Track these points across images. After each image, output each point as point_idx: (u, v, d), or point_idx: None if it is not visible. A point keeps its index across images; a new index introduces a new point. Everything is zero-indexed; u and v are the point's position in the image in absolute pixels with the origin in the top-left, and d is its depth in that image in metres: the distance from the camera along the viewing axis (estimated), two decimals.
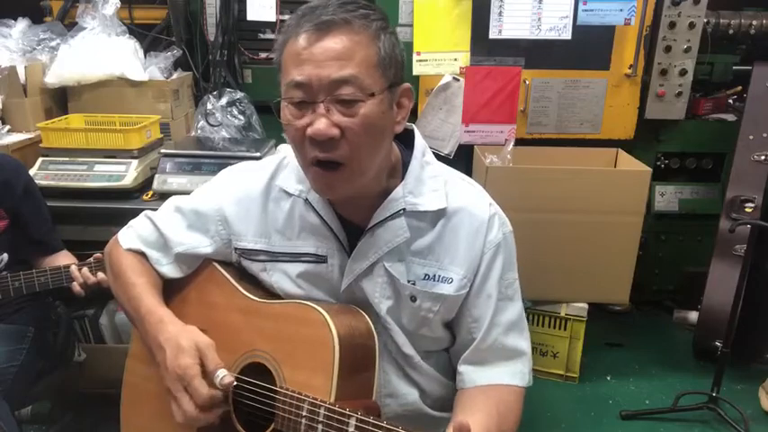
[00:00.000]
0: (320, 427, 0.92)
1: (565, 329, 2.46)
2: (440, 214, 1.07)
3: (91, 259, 1.66)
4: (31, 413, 2.16)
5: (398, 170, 1.08)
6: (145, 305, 1.09)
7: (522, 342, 1.13)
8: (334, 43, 0.91)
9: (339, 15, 0.91)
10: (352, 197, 1.03)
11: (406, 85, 1.01)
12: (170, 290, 1.19)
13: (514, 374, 1.11)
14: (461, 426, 0.86)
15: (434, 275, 1.08)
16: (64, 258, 1.78)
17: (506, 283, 1.11)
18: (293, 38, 0.93)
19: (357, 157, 0.95)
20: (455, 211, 1.08)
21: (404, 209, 1.05)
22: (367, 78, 0.92)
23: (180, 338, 1.01)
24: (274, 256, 1.12)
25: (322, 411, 0.92)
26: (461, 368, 1.12)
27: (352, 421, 0.89)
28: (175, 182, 2.07)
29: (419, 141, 1.10)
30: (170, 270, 1.17)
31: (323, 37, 0.91)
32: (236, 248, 1.15)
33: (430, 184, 1.08)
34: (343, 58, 0.91)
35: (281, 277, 1.12)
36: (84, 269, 1.63)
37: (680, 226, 2.90)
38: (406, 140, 1.11)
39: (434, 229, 1.07)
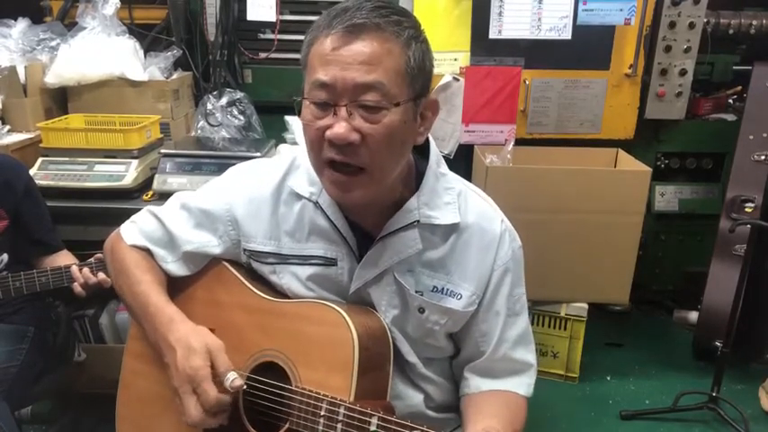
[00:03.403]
0: (340, 426, 0.91)
1: (565, 329, 2.46)
2: (453, 228, 1.06)
3: (92, 259, 1.66)
4: (31, 413, 2.16)
5: (411, 179, 1.07)
6: (153, 303, 1.07)
7: (529, 355, 1.14)
8: (363, 47, 0.89)
9: (372, 20, 0.89)
10: (365, 204, 1.02)
11: (433, 98, 1.00)
12: (176, 288, 1.17)
13: (520, 385, 1.12)
14: None
15: (443, 288, 1.07)
16: (64, 258, 1.78)
17: (514, 298, 1.11)
18: (322, 37, 0.91)
19: (377, 165, 0.93)
20: (467, 226, 1.07)
21: (417, 220, 1.04)
22: (393, 87, 0.90)
23: (191, 339, 1.00)
24: (284, 259, 1.10)
25: (342, 411, 0.91)
26: (468, 374, 1.13)
27: (374, 420, 0.88)
28: (175, 182, 2.07)
29: (434, 151, 1.09)
30: (176, 268, 1.15)
31: (353, 40, 0.89)
32: (245, 250, 1.14)
33: (444, 196, 1.07)
34: (370, 63, 0.89)
35: (290, 279, 1.11)
36: (85, 269, 1.63)
37: (680, 226, 2.91)
38: (419, 148, 1.09)
39: (446, 243, 1.07)
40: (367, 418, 0.89)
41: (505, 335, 1.11)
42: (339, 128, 0.89)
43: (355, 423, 0.90)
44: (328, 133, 0.90)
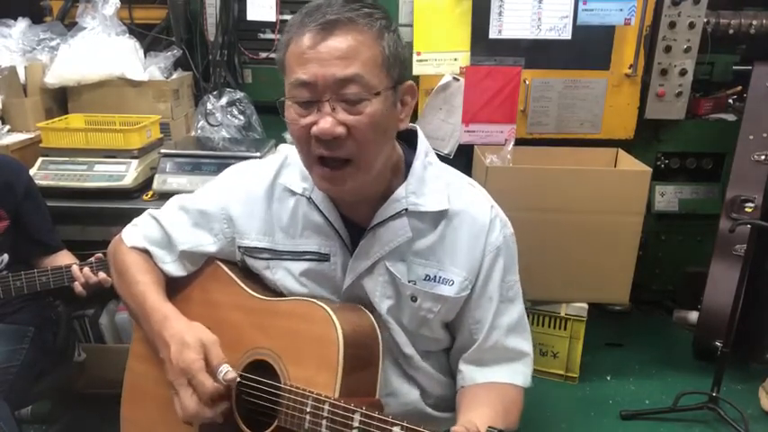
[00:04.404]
0: (324, 422, 0.92)
1: (565, 329, 2.46)
2: (441, 215, 1.08)
3: (92, 259, 1.66)
4: (31, 413, 2.16)
5: (401, 170, 1.08)
6: (149, 302, 1.10)
7: (524, 343, 1.14)
8: (338, 42, 0.91)
9: (344, 14, 0.91)
10: (356, 196, 1.04)
11: (409, 82, 1.02)
12: (174, 288, 1.19)
13: (516, 374, 1.12)
14: (467, 427, 0.87)
15: (435, 276, 1.08)
16: (64, 258, 1.78)
17: (507, 285, 1.12)
18: (297, 37, 0.93)
19: (364, 154, 0.96)
20: (456, 213, 1.08)
21: (406, 209, 1.05)
22: (372, 77, 0.93)
23: (185, 334, 1.02)
24: (278, 255, 1.12)
25: (326, 407, 0.92)
26: (462, 366, 1.13)
27: (357, 416, 0.89)
28: (175, 182, 2.07)
29: (422, 142, 1.11)
30: (174, 268, 1.18)
31: (327, 36, 0.91)
32: (239, 246, 1.16)
33: (432, 185, 1.08)
34: (347, 57, 0.91)
35: (284, 275, 1.12)
36: (86, 269, 1.63)
37: (680, 226, 2.90)
38: (409, 141, 1.11)
39: (436, 230, 1.08)
40: (350, 414, 0.90)
41: (497, 321, 1.11)
42: (324, 123, 0.92)
43: (339, 419, 0.91)
44: (314, 129, 0.93)
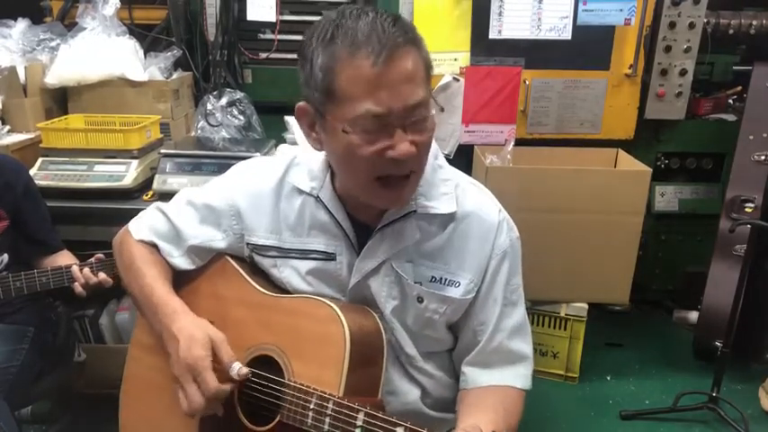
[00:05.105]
0: (328, 420, 0.93)
1: (565, 329, 2.46)
2: (450, 218, 1.08)
3: (92, 259, 1.66)
4: (31, 413, 2.16)
5: None
6: (157, 294, 1.11)
7: (525, 346, 1.15)
8: (403, 65, 0.90)
9: (402, 37, 0.90)
10: None
11: None
12: (182, 280, 1.20)
13: (517, 377, 1.13)
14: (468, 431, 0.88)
15: (441, 278, 1.09)
16: (64, 258, 1.78)
17: (512, 288, 1.13)
18: (355, 63, 0.89)
19: (423, 165, 1.01)
20: (465, 216, 1.09)
21: (414, 210, 1.06)
22: (428, 94, 0.95)
23: (193, 330, 1.03)
24: (285, 253, 1.13)
25: (330, 405, 0.93)
26: (465, 369, 1.14)
27: (360, 416, 0.90)
28: (175, 182, 2.07)
29: (432, 145, 1.10)
30: (181, 262, 1.18)
31: (391, 62, 0.89)
32: (247, 243, 1.17)
33: (441, 187, 1.09)
34: (413, 80, 0.91)
35: (290, 273, 1.13)
36: (86, 269, 1.63)
37: (680, 226, 2.91)
38: None
39: (444, 232, 1.09)
40: (354, 413, 0.91)
41: (502, 324, 1.12)
42: (405, 146, 0.93)
43: (342, 417, 0.92)
44: (393, 153, 0.92)
